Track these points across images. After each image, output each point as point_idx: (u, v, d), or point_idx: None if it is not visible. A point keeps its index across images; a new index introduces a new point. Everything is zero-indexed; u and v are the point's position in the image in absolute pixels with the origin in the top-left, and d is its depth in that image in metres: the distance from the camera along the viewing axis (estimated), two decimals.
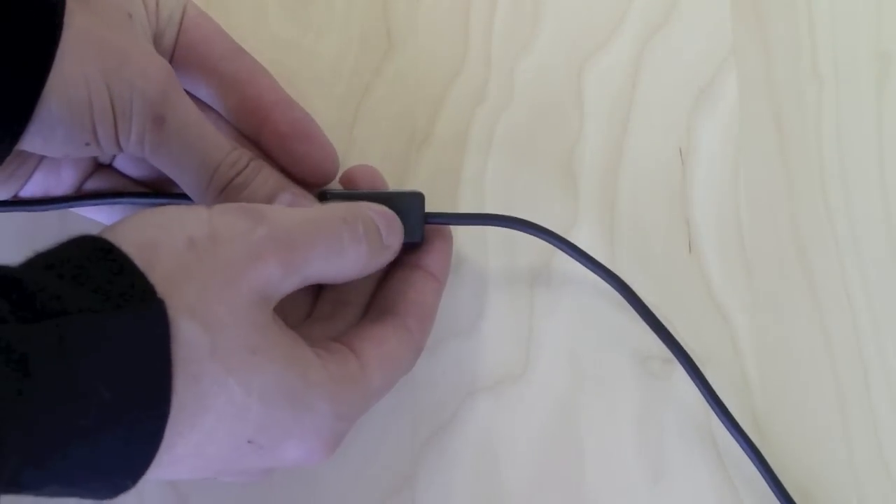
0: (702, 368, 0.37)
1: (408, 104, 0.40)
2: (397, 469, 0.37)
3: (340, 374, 0.31)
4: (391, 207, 0.34)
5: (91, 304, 0.25)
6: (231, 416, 0.28)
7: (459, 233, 0.38)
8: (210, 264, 0.28)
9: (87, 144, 0.31)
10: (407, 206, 0.35)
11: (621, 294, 0.37)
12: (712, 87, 0.41)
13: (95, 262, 0.27)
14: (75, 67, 0.30)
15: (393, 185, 0.39)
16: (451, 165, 0.40)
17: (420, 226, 0.35)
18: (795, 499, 0.36)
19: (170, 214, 0.30)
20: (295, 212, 0.31)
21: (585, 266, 0.37)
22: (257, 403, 0.28)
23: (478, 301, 0.39)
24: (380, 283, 0.36)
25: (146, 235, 0.28)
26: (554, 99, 0.41)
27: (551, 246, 0.39)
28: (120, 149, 0.32)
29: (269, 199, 0.34)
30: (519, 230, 0.36)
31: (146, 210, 0.30)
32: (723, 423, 0.36)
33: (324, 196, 0.35)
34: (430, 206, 0.36)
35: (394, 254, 0.34)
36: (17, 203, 0.35)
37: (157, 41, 0.34)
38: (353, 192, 0.35)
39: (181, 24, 0.35)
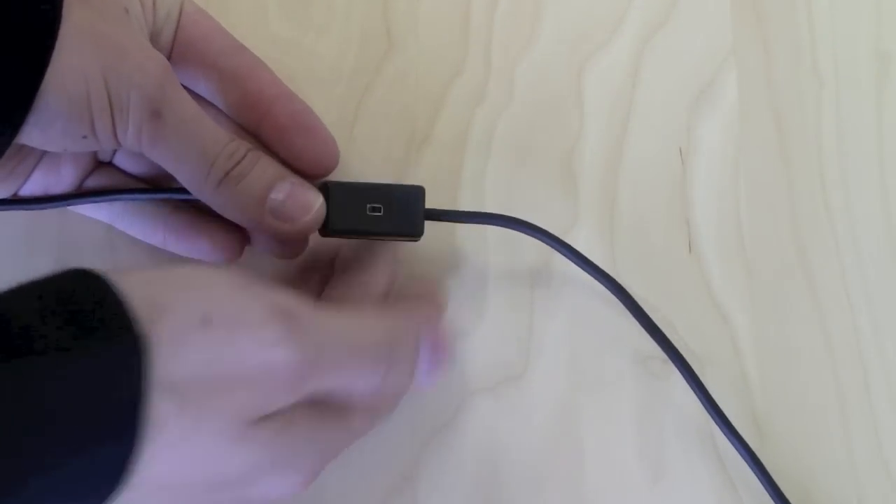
0: (702, 368, 0.37)
1: (408, 104, 0.40)
2: (397, 469, 0.37)
3: (321, 417, 0.31)
4: (391, 200, 0.34)
5: (66, 343, 0.25)
6: (205, 460, 0.28)
7: (460, 232, 0.38)
8: (216, 359, 0.27)
9: (85, 138, 0.31)
10: (407, 199, 0.35)
11: (617, 297, 0.37)
12: (712, 87, 0.41)
13: (82, 298, 0.26)
14: (73, 61, 0.30)
15: None
16: (451, 165, 0.40)
17: (420, 220, 0.35)
18: (795, 500, 0.36)
19: (195, 280, 0.29)
20: (333, 322, 0.30)
21: (583, 269, 0.37)
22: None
23: (478, 301, 0.39)
24: None
25: (161, 298, 0.27)
26: (554, 99, 0.41)
27: (550, 246, 0.39)
28: (118, 143, 0.32)
29: (268, 189, 0.33)
30: (518, 230, 0.36)
31: (172, 269, 0.29)
32: (720, 427, 0.36)
33: (325, 187, 0.35)
34: (430, 207, 0.36)
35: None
36: (16, 202, 0.35)
37: (154, 38, 0.34)
38: (355, 183, 0.35)
39: (179, 21, 0.35)
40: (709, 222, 0.40)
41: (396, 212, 0.34)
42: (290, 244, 0.36)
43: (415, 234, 0.35)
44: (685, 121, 0.41)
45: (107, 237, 0.38)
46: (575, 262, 0.37)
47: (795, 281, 0.39)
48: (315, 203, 0.34)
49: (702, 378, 0.38)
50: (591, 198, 0.40)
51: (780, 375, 0.38)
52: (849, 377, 0.38)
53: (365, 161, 0.39)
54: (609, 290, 0.37)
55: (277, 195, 0.33)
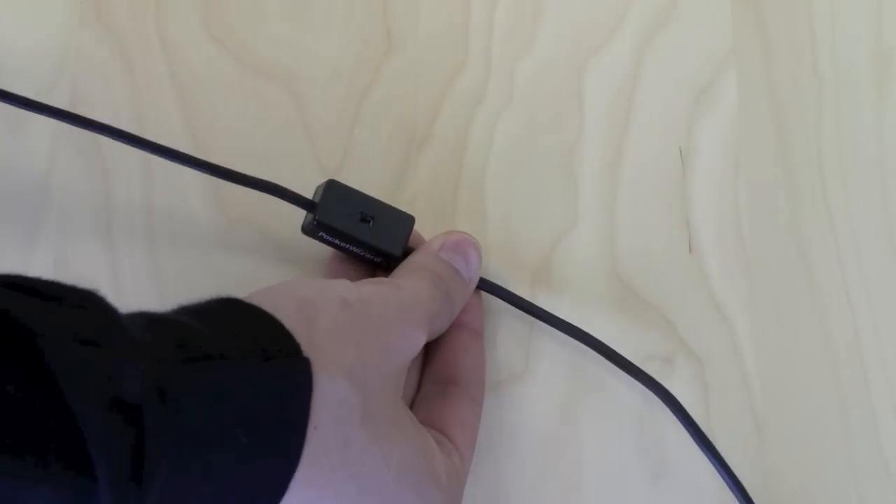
0: (702, 368, 0.37)
1: (408, 104, 0.40)
2: None
3: (449, 466, 0.32)
4: (382, 217, 0.35)
5: (242, 354, 0.27)
6: (369, 486, 0.29)
7: (459, 229, 0.38)
8: (364, 325, 0.30)
9: None
10: (398, 222, 0.35)
11: (597, 352, 0.37)
12: (712, 87, 0.41)
13: (242, 317, 0.28)
14: None
15: (393, 185, 0.39)
16: (451, 165, 0.40)
17: (402, 243, 0.35)
18: (795, 500, 0.36)
19: (320, 280, 0.31)
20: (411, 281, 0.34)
21: (555, 327, 0.37)
22: (393, 479, 0.29)
23: None
24: (428, 345, 0.36)
25: (304, 293, 0.30)
26: (554, 99, 0.41)
27: (551, 246, 0.39)
28: None
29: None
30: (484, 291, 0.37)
31: (292, 279, 0.32)
32: (708, 458, 0.36)
33: (327, 183, 0.35)
34: (430, 207, 0.36)
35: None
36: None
37: None
38: (355, 190, 0.35)
39: None
40: (709, 222, 0.40)
41: (383, 229, 0.35)
42: None
43: (394, 253, 0.35)
44: (685, 121, 0.41)
45: (106, 236, 0.38)
46: (545, 321, 0.37)
47: (795, 281, 0.39)
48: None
49: (702, 378, 0.38)
50: (591, 198, 0.40)
51: (780, 375, 0.38)
52: (849, 377, 0.38)
53: (365, 161, 0.39)
54: (579, 340, 0.37)
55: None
